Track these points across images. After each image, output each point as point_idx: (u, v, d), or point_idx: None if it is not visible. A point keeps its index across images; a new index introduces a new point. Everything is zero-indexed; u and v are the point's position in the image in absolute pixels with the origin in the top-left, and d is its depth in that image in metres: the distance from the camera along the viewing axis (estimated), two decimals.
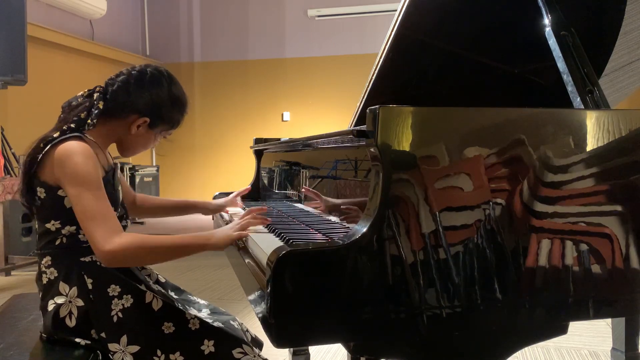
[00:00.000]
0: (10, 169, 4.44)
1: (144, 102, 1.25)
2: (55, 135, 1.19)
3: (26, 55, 4.12)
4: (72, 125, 1.21)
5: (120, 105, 1.25)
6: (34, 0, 5.23)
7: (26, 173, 1.20)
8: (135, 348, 1.14)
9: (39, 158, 1.17)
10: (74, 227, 1.19)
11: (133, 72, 1.27)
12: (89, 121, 1.22)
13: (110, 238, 1.08)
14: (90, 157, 1.16)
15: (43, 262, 1.21)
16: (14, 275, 4.19)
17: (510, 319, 0.93)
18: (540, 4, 1.30)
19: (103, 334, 1.14)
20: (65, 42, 5.72)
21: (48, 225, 1.19)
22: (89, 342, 1.15)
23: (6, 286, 3.82)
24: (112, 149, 1.33)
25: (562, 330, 1.00)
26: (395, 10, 1.52)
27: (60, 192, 1.17)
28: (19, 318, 1.36)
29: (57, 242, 1.20)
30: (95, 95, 1.24)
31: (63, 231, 1.19)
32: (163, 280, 1.39)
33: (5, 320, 1.35)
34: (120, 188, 1.32)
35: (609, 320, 2.06)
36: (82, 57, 6.06)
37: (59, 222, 1.19)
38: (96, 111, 1.22)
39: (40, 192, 1.18)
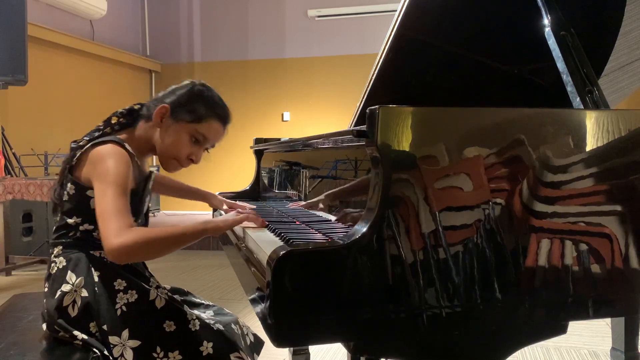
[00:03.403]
0: (10, 168, 4.44)
1: (167, 96, 1.32)
2: (96, 135, 1.25)
3: (26, 55, 4.12)
4: (103, 125, 1.29)
5: (151, 106, 1.32)
6: (34, 0, 5.23)
7: (64, 169, 1.25)
8: (135, 343, 1.15)
9: (78, 155, 1.23)
10: (92, 226, 1.23)
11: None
12: (120, 112, 1.31)
13: (119, 233, 1.06)
14: (125, 162, 1.19)
15: (54, 252, 1.25)
16: (14, 275, 4.19)
17: (509, 319, 0.93)
18: (540, 4, 1.30)
19: (105, 327, 1.16)
20: (66, 42, 5.71)
21: (70, 221, 1.24)
22: (85, 336, 1.15)
23: (6, 286, 3.82)
24: None
25: (561, 329, 1.00)
26: (395, 10, 1.53)
27: (89, 193, 1.21)
28: (19, 318, 1.36)
29: (71, 234, 1.24)
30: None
31: (81, 227, 1.24)
32: (168, 287, 1.39)
33: (5, 320, 1.36)
34: (147, 199, 1.35)
35: (608, 320, 2.06)
36: (82, 57, 6.05)
37: (80, 219, 1.24)
38: (127, 110, 1.32)
39: (70, 189, 1.23)
